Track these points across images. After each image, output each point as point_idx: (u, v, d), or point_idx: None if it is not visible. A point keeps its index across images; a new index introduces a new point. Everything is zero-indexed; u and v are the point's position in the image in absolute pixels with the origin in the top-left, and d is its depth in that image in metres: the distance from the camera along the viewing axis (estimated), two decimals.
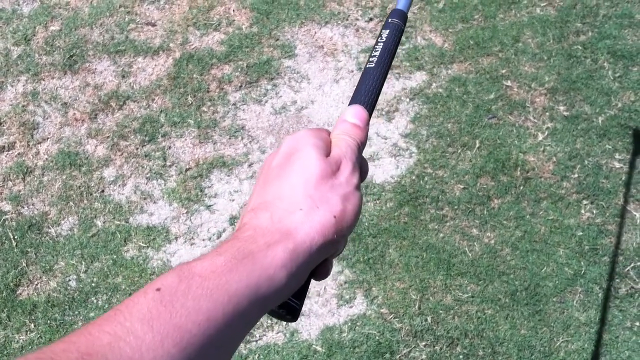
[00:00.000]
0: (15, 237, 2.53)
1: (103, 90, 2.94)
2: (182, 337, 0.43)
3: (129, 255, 2.48)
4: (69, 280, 2.43)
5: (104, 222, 2.56)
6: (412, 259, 2.44)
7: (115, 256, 2.48)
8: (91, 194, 2.64)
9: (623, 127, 2.77)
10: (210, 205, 2.61)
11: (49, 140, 2.80)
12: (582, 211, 2.55)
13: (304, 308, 2.35)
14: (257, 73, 2.98)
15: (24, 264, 2.46)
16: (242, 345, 2.28)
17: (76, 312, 2.35)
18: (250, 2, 3.22)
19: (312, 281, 0.59)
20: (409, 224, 2.53)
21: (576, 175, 2.64)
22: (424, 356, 2.26)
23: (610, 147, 2.71)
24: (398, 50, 3.03)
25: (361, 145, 0.64)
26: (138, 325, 0.42)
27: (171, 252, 2.49)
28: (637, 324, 2.31)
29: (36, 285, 2.42)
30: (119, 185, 2.67)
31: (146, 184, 2.67)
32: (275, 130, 2.82)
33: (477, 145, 2.73)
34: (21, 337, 2.30)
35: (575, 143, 2.73)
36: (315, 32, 3.13)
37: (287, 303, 0.55)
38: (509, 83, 2.92)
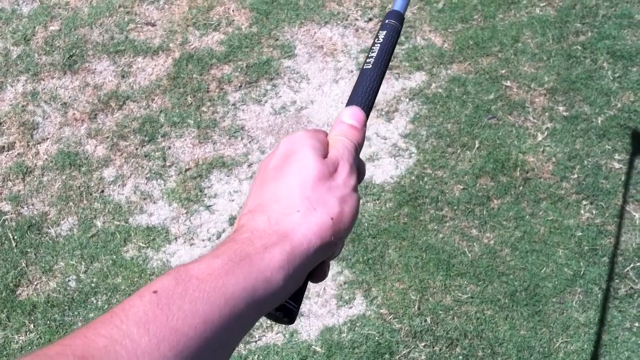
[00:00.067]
0: (15, 237, 2.53)
1: (103, 90, 2.94)
2: (179, 340, 0.43)
3: (128, 256, 2.48)
4: (69, 280, 2.43)
5: (103, 223, 2.56)
6: (411, 259, 2.44)
7: (114, 256, 2.48)
8: (91, 194, 2.64)
9: (622, 127, 2.77)
10: (209, 206, 2.61)
11: (48, 140, 2.80)
12: (582, 212, 2.55)
13: (304, 309, 2.35)
14: (256, 73, 2.98)
15: (23, 264, 2.46)
16: (241, 345, 2.28)
17: (76, 313, 2.36)
18: (249, 2, 3.22)
19: (311, 282, 0.59)
20: (409, 224, 2.53)
21: (576, 176, 2.64)
22: (423, 357, 2.26)
23: (609, 147, 2.71)
24: (397, 51, 3.03)
25: (358, 147, 0.64)
26: (134, 328, 0.42)
27: (171, 253, 2.49)
28: (637, 324, 2.31)
29: (36, 285, 2.42)
30: (119, 186, 2.67)
31: (146, 184, 2.67)
32: (274, 131, 2.82)
33: (477, 146, 2.73)
34: (21, 338, 2.30)
35: (574, 143, 2.73)
36: (315, 32, 3.13)
37: (284, 305, 0.55)
38: (508, 83, 2.92)
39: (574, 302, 2.35)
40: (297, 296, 0.56)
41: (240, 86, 2.95)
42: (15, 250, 2.50)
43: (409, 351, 2.27)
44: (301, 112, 2.87)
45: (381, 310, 2.35)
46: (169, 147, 2.77)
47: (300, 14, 3.18)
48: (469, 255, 2.46)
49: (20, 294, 2.40)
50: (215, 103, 2.89)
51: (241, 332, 0.48)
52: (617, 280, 2.40)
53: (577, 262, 2.43)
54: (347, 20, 3.17)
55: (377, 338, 2.29)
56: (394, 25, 0.72)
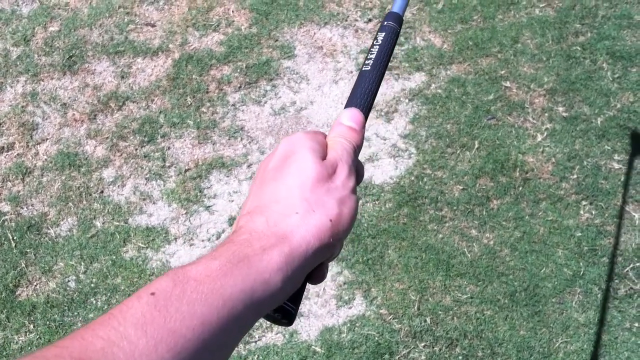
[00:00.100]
0: (15, 237, 2.53)
1: (102, 91, 2.94)
2: (176, 342, 0.43)
3: (128, 256, 2.48)
4: (68, 281, 2.43)
5: (103, 223, 2.56)
6: (411, 259, 2.45)
7: (114, 257, 2.48)
8: (90, 195, 2.64)
9: (622, 127, 2.77)
10: (209, 206, 2.61)
11: (48, 140, 2.80)
12: (581, 212, 2.55)
13: (303, 309, 2.35)
14: (256, 74, 2.98)
15: (23, 265, 2.46)
16: (241, 346, 2.28)
17: (75, 313, 2.36)
18: (249, 2, 3.22)
19: (309, 284, 0.59)
20: (408, 224, 2.53)
21: (575, 176, 2.64)
22: (423, 357, 2.26)
23: (609, 148, 2.71)
24: (397, 51, 3.03)
25: (357, 149, 0.64)
26: (132, 330, 0.42)
27: (170, 253, 2.49)
28: (636, 324, 2.31)
29: (35, 286, 2.42)
30: (118, 186, 2.67)
31: (145, 184, 2.67)
32: (274, 131, 2.82)
33: (476, 146, 2.73)
34: (20, 338, 2.30)
35: (574, 144, 2.73)
36: (315, 33, 3.13)
37: (282, 307, 0.55)
38: (508, 84, 2.92)
39: (574, 303, 2.35)
40: (296, 298, 0.56)
41: (240, 87, 2.95)
42: (14, 251, 2.50)
43: (408, 351, 2.27)
44: (301, 112, 2.87)
45: (381, 311, 2.35)
46: (169, 148, 2.77)
47: (299, 15, 3.18)
48: (469, 255, 2.46)
49: (19, 295, 2.40)
50: (214, 104, 2.89)
51: (239, 333, 0.48)
52: (616, 281, 2.40)
53: (577, 263, 2.43)
54: (346, 20, 3.17)
55: (376, 338, 2.29)
56: (393, 27, 0.72)
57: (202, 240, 2.52)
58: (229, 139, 2.79)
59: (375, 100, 0.74)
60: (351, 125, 0.65)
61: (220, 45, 3.08)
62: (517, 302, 2.35)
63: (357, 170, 0.63)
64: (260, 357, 2.26)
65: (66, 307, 2.37)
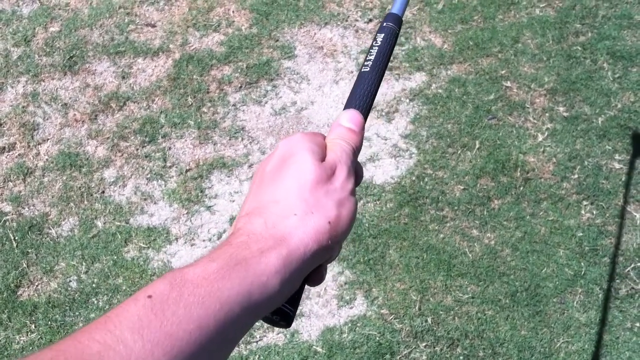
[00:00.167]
0: (16, 237, 2.53)
1: (103, 91, 2.94)
2: (173, 345, 0.43)
3: (129, 256, 2.48)
4: (70, 281, 2.43)
5: (104, 223, 2.57)
6: (412, 259, 2.44)
7: (115, 257, 2.48)
8: (91, 195, 2.64)
9: (623, 127, 2.76)
10: (210, 206, 2.61)
11: (49, 141, 2.80)
12: (582, 212, 2.55)
13: (304, 309, 2.35)
14: (256, 74, 2.98)
15: (24, 265, 2.47)
16: (242, 346, 2.28)
17: (77, 313, 2.36)
18: (249, 3, 3.22)
19: (308, 286, 0.59)
20: (409, 224, 2.53)
21: (576, 176, 2.64)
22: (424, 357, 2.26)
23: (610, 147, 2.71)
24: (397, 51, 3.03)
25: (356, 150, 0.63)
26: (128, 333, 0.42)
27: (172, 253, 2.50)
28: (638, 324, 2.30)
29: (37, 286, 2.42)
30: (120, 186, 2.67)
31: (146, 184, 2.67)
32: (275, 131, 2.82)
33: (477, 146, 2.73)
34: (22, 338, 2.30)
35: (575, 144, 2.73)
36: (315, 33, 3.13)
37: (280, 309, 0.55)
38: (508, 84, 2.91)
39: (575, 302, 2.35)
40: (294, 300, 0.56)
41: (241, 87, 2.95)
42: (16, 251, 2.50)
43: (409, 351, 2.27)
44: (301, 112, 2.87)
45: (382, 311, 2.34)
46: (170, 148, 2.77)
47: (300, 15, 3.18)
48: (470, 255, 2.46)
49: (21, 295, 2.41)
50: (215, 104, 2.89)
51: (237, 336, 0.48)
52: (618, 281, 2.40)
53: (578, 262, 2.43)
54: (347, 21, 3.17)
55: (378, 338, 2.29)
56: (392, 29, 0.72)
57: (203, 241, 2.52)
58: (229, 139, 2.79)
59: (376, 100, 0.74)
60: (350, 126, 0.64)
61: (221, 45, 3.08)
62: (518, 302, 2.35)
63: (356, 172, 0.62)
64: (261, 357, 2.26)
65: (67, 307, 2.37)
